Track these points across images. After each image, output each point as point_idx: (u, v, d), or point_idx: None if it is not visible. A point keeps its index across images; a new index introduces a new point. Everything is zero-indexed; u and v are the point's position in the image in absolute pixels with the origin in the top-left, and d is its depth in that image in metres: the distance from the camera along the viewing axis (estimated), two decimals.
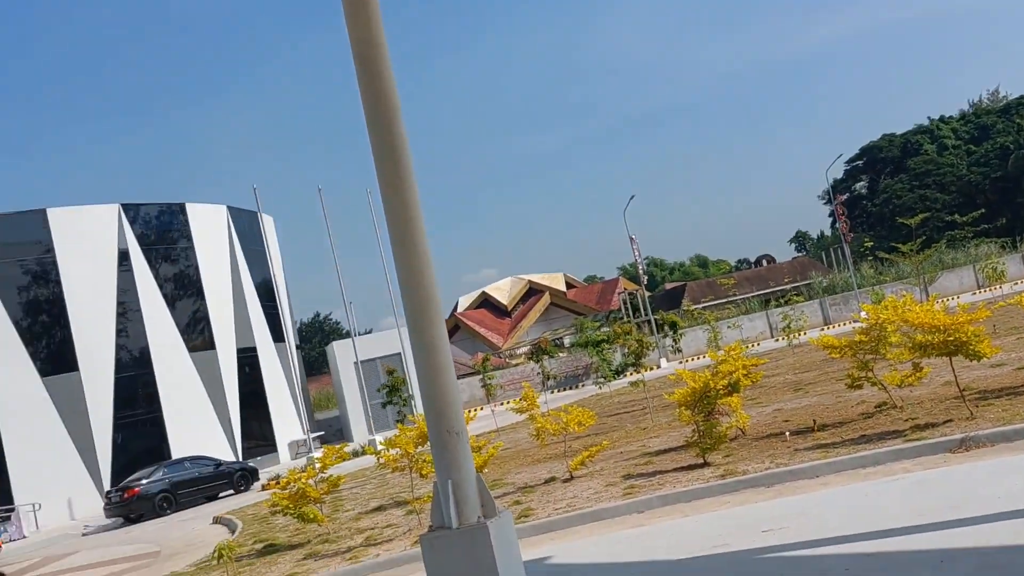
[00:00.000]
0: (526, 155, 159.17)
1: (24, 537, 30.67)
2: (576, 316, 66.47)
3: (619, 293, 66.62)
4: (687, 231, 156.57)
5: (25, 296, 35.20)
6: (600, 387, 33.84)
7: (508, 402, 31.35)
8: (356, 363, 40.16)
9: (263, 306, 42.73)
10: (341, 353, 44.14)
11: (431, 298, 8.36)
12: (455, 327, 70.39)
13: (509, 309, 72.41)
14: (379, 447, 17.34)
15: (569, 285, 75.78)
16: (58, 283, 35.40)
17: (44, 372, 34.49)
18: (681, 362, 43.77)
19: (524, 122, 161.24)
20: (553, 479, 14.94)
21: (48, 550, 26.57)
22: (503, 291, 74.25)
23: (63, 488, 33.45)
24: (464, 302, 76.44)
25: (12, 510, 31.94)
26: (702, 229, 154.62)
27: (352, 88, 8.48)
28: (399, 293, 8.73)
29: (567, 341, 59.94)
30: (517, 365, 51.93)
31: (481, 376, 45.25)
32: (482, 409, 35.97)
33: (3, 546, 27.60)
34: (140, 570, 17.37)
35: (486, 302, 74.42)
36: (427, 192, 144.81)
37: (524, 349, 60.81)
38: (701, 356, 45.31)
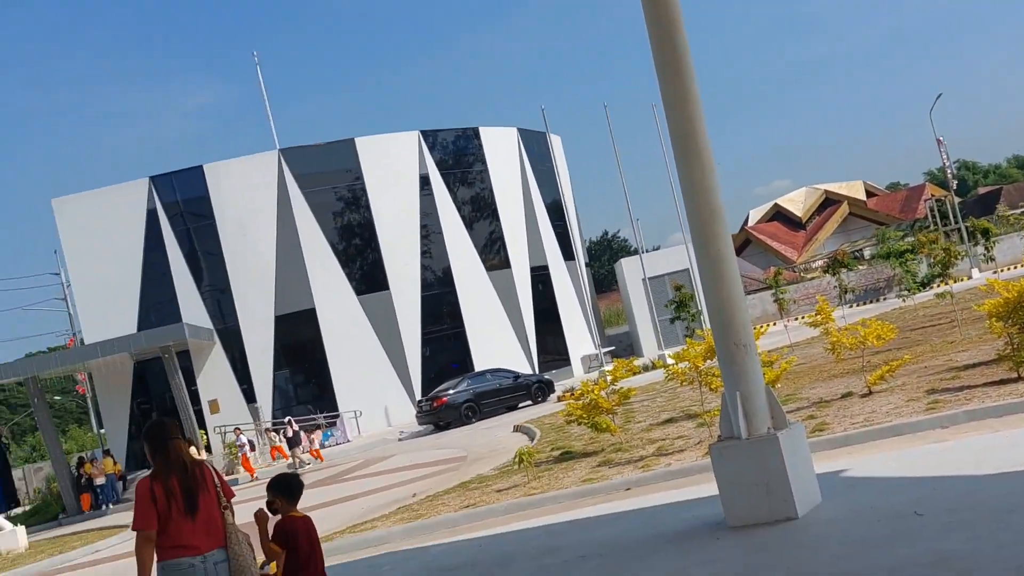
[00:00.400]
0: (821, 57, 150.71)
1: (348, 441, 33.90)
2: (877, 226, 62.92)
3: (925, 200, 62.17)
4: (1004, 130, 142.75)
5: (340, 221, 38.29)
6: (903, 300, 32.01)
7: (801, 317, 30.40)
8: (644, 280, 40.42)
9: (553, 225, 43.86)
10: (629, 270, 44.57)
11: (716, 210, 8.29)
12: (746, 241, 68.79)
13: (804, 221, 69.69)
14: (668, 361, 17.55)
15: (869, 193, 71.66)
16: (368, 208, 38.15)
17: (359, 291, 37.54)
18: (995, 272, 40.40)
19: (817, 22, 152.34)
20: (850, 394, 14.45)
21: (368, 453, 29.25)
22: (797, 202, 71.47)
23: (380, 397, 36.51)
24: (755, 215, 74.42)
25: (337, 416, 35.34)
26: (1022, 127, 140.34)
27: (635, 2, 8.45)
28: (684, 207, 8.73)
29: (867, 253, 56.97)
30: (812, 279, 50.09)
31: (773, 291, 44.11)
32: (774, 324, 35.20)
33: (322, 453, 30.44)
34: (450, 472, 18.74)
35: (778, 214, 72.01)
36: (712, 101, 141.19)
37: (820, 262, 58.51)
38: (1018, 265, 41.57)
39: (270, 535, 6.07)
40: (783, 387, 16.31)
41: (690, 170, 8.32)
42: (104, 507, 29.96)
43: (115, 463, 31.70)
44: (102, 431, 43.77)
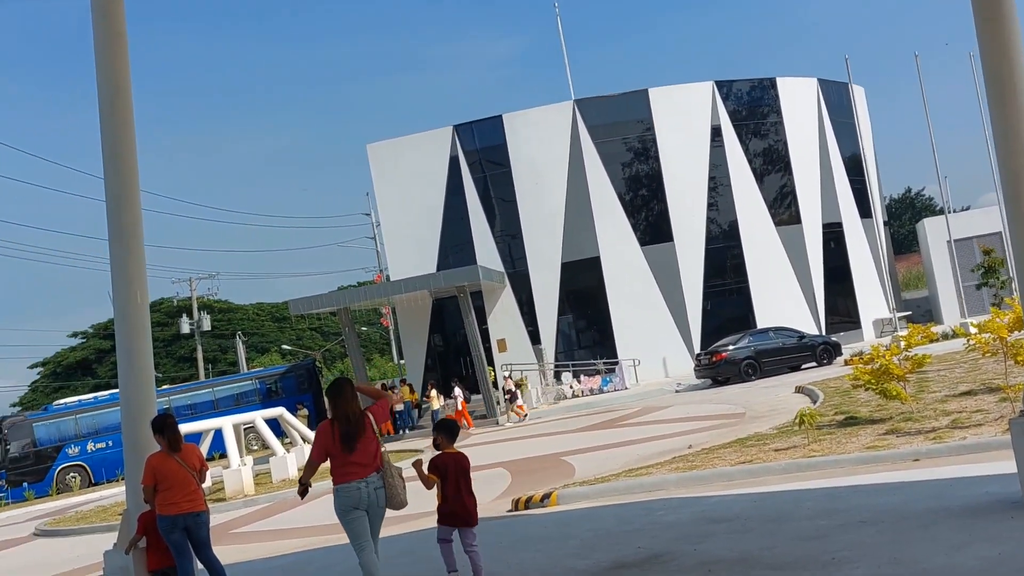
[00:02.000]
0: None
1: (626, 388, 34.47)
2: None
3: None
4: None
5: (628, 172, 38.56)
6: None
7: None
8: (949, 242, 37.88)
9: (850, 181, 41.84)
10: (933, 231, 41.88)
11: None
12: None
13: None
14: (970, 330, 16.47)
15: None
16: (657, 159, 38.13)
17: (643, 241, 37.75)
18: None
19: None
20: None
21: (645, 401, 29.66)
22: None
23: (659, 347, 36.72)
24: None
25: (616, 363, 35.99)
26: None
27: None
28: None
29: None
30: None
31: None
32: None
33: (524, 412, 30.60)
34: (728, 428, 18.70)
35: None
36: None
37: None
38: None
39: (426, 470, 8.06)
40: None
41: (1005, 120, 7.80)
42: (401, 432, 32.42)
43: (412, 392, 34.06)
44: (402, 362, 47.17)
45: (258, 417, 24.99)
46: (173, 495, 8.59)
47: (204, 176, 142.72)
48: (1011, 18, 7.80)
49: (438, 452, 8.15)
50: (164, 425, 8.84)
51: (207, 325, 59.16)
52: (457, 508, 7.92)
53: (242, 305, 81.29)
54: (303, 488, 7.83)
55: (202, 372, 58.80)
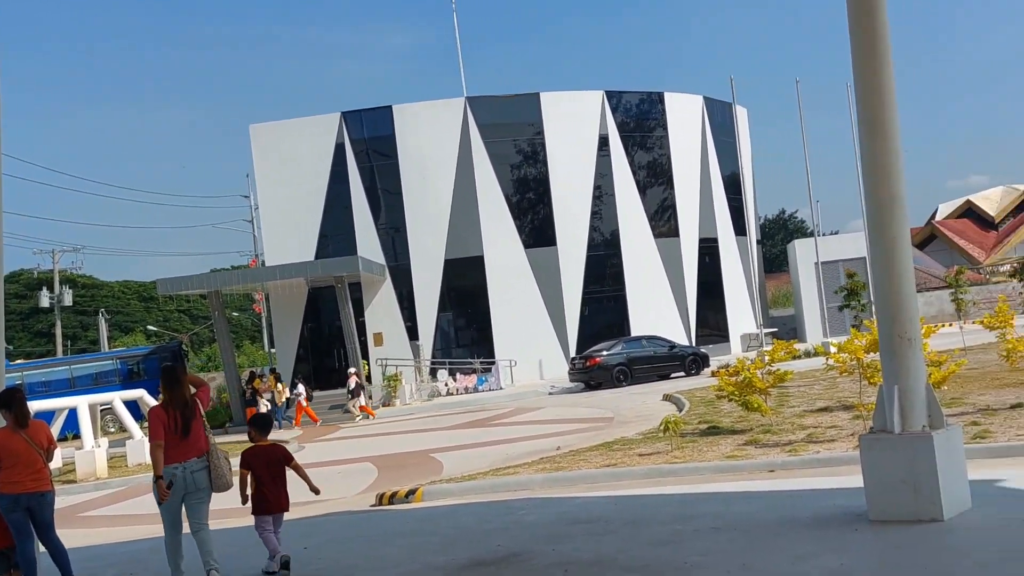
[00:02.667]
0: None
1: (501, 388, 34.61)
2: None
3: None
4: None
5: (516, 173, 38.72)
6: None
7: (980, 320, 28.91)
8: (817, 264, 39.39)
9: (728, 198, 43.04)
10: (802, 252, 43.41)
11: (896, 196, 8.08)
12: (931, 236, 65.68)
13: (996, 222, 65.78)
14: (831, 349, 17.14)
15: None
16: (545, 163, 38.41)
17: (527, 244, 37.98)
18: None
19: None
20: (1020, 404, 13.79)
21: (519, 402, 29.85)
22: (992, 201, 67.46)
23: (536, 349, 36.96)
24: (944, 209, 70.74)
25: (493, 363, 36.11)
26: None
27: None
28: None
29: None
30: (997, 283, 47.39)
31: (952, 291, 42.06)
32: (949, 325, 33.70)
33: (374, 414, 30.38)
34: (595, 431, 18.98)
35: (970, 211, 68.20)
36: (912, 84, 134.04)
37: (1008, 267, 55.18)
38: None
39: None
40: (949, 390, 15.69)
41: (873, 152, 8.13)
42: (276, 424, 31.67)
43: (278, 381, 33.39)
44: (272, 350, 46.18)
45: (117, 398, 24.07)
46: (17, 473, 8.19)
47: (77, 145, 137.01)
48: (885, 56, 8.13)
49: (251, 445, 8.45)
50: (11, 400, 8.41)
51: (68, 300, 56.69)
52: (267, 496, 8.20)
53: (107, 282, 78.38)
54: (169, 485, 7.72)
55: (60, 348, 56.39)
